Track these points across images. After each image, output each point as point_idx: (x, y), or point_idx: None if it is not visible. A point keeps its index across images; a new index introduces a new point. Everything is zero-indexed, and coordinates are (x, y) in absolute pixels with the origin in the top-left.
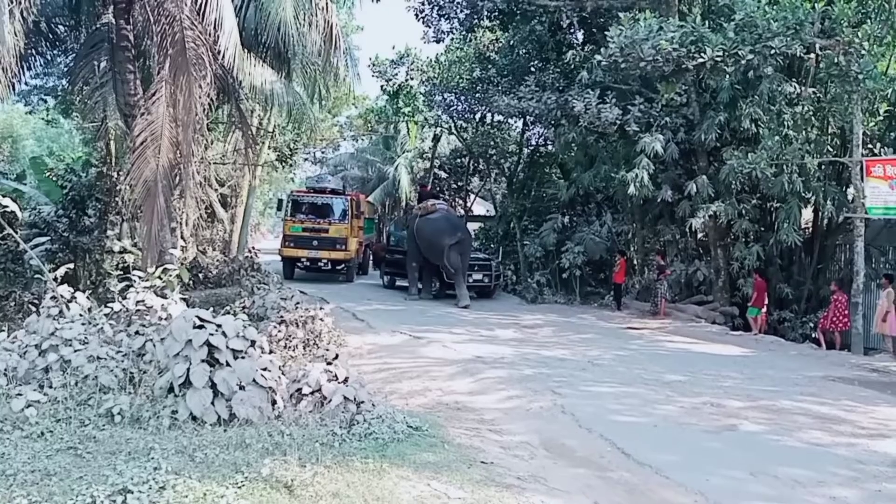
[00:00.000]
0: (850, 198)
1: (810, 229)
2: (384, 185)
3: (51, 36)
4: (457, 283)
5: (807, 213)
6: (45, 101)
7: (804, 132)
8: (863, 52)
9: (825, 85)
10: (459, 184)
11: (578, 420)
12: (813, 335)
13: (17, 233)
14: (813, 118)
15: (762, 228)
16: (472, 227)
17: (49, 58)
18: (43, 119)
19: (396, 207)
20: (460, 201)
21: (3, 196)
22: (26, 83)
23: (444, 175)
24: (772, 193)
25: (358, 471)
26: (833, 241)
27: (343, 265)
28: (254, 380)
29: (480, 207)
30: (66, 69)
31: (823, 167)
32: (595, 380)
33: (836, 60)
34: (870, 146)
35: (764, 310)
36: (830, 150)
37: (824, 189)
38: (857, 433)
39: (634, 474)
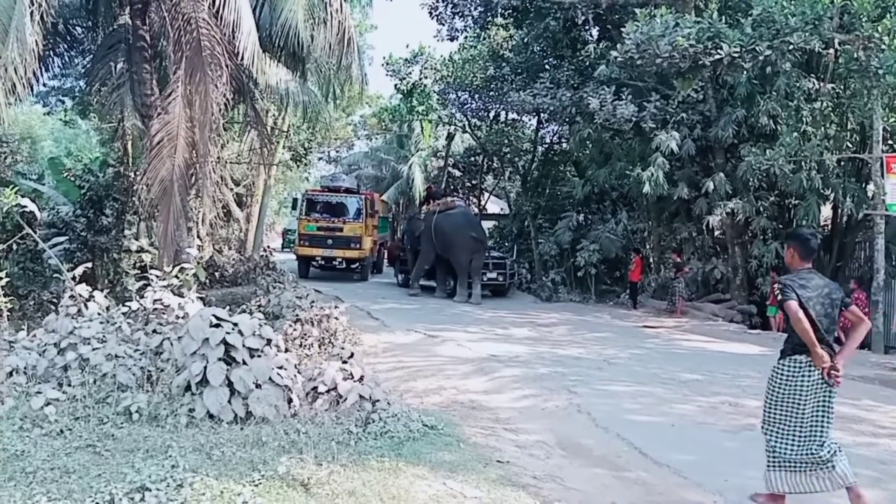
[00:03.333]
0: (869, 194)
1: (829, 226)
2: (398, 183)
3: (68, 37)
4: (473, 280)
5: (826, 211)
6: (63, 102)
7: (823, 128)
8: (883, 46)
9: (844, 80)
10: (473, 182)
11: (595, 419)
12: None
13: (36, 232)
14: (832, 114)
15: (780, 226)
16: (487, 225)
17: (67, 59)
18: (61, 120)
19: (411, 206)
20: (474, 199)
21: (23, 196)
22: (44, 84)
23: (458, 173)
24: (790, 190)
25: (374, 469)
26: (853, 238)
27: (358, 264)
28: (270, 378)
29: (495, 206)
30: (83, 70)
31: (843, 163)
32: (611, 379)
33: (855, 55)
34: (890, 142)
35: None
36: (850, 146)
37: (843, 186)
38: (878, 433)
39: (652, 474)
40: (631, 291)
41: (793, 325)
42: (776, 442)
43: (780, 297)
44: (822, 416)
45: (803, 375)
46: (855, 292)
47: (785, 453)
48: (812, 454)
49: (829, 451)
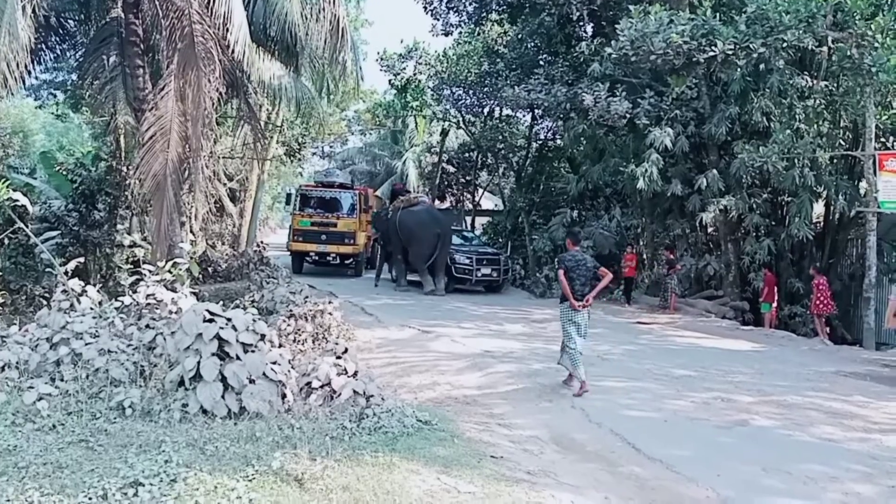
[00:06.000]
0: (862, 192)
1: (822, 224)
2: (392, 179)
3: (60, 31)
4: (436, 272)
5: (818, 208)
6: (55, 96)
7: (816, 125)
8: (876, 44)
9: (837, 78)
10: (468, 178)
11: (588, 415)
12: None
13: (28, 227)
14: (825, 111)
15: (773, 223)
16: (481, 221)
17: (59, 52)
18: (53, 114)
19: None
20: (468, 195)
21: (15, 190)
22: (36, 78)
23: (452, 169)
24: (783, 187)
25: (368, 464)
26: (845, 235)
27: (351, 259)
28: (264, 373)
29: (489, 202)
30: (75, 64)
31: (835, 161)
32: (604, 374)
33: (848, 53)
34: (882, 140)
35: (774, 305)
36: (842, 143)
37: (836, 183)
38: (870, 428)
39: (645, 469)
40: (625, 287)
41: (560, 286)
42: (569, 346)
43: (556, 266)
44: (583, 339)
45: (570, 312)
46: (815, 278)
47: (567, 351)
48: (574, 357)
49: (579, 359)
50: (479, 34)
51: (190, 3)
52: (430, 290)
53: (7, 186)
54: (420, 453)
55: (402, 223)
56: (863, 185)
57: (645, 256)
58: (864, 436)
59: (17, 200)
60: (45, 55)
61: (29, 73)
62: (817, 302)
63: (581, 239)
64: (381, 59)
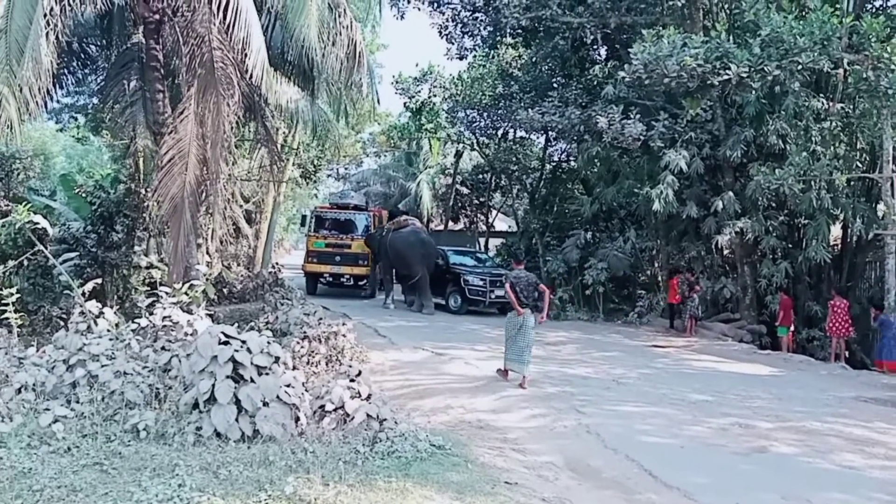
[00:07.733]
0: (880, 214)
1: (839, 246)
2: (406, 200)
3: (82, 55)
4: (420, 291)
5: (835, 230)
6: (76, 119)
7: (832, 148)
8: (892, 67)
9: (853, 100)
10: (481, 199)
11: (604, 440)
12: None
13: (47, 248)
14: (841, 133)
15: (790, 245)
16: (494, 242)
17: (80, 77)
18: (73, 137)
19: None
20: (482, 217)
21: (35, 212)
22: (58, 102)
23: (465, 191)
24: (799, 210)
25: (381, 490)
26: (863, 258)
27: (365, 281)
28: (277, 396)
29: (502, 223)
30: (96, 88)
31: (852, 183)
32: (620, 399)
33: (864, 75)
34: None
35: (792, 328)
36: (859, 165)
37: (853, 205)
38: (892, 455)
39: (662, 497)
40: (671, 313)
41: (507, 296)
42: (508, 349)
43: (504, 281)
44: (529, 340)
45: (515, 320)
46: (834, 300)
47: (511, 354)
48: (522, 356)
49: (528, 359)
50: (493, 57)
51: (210, 30)
52: (430, 311)
53: (28, 209)
54: (434, 479)
55: (391, 244)
56: (881, 207)
57: (660, 279)
58: (887, 463)
59: (37, 223)
60: (67, 79)
61: (51, 97)
62: (831, 324)
63: (523, 259)
64: (397, 82)
